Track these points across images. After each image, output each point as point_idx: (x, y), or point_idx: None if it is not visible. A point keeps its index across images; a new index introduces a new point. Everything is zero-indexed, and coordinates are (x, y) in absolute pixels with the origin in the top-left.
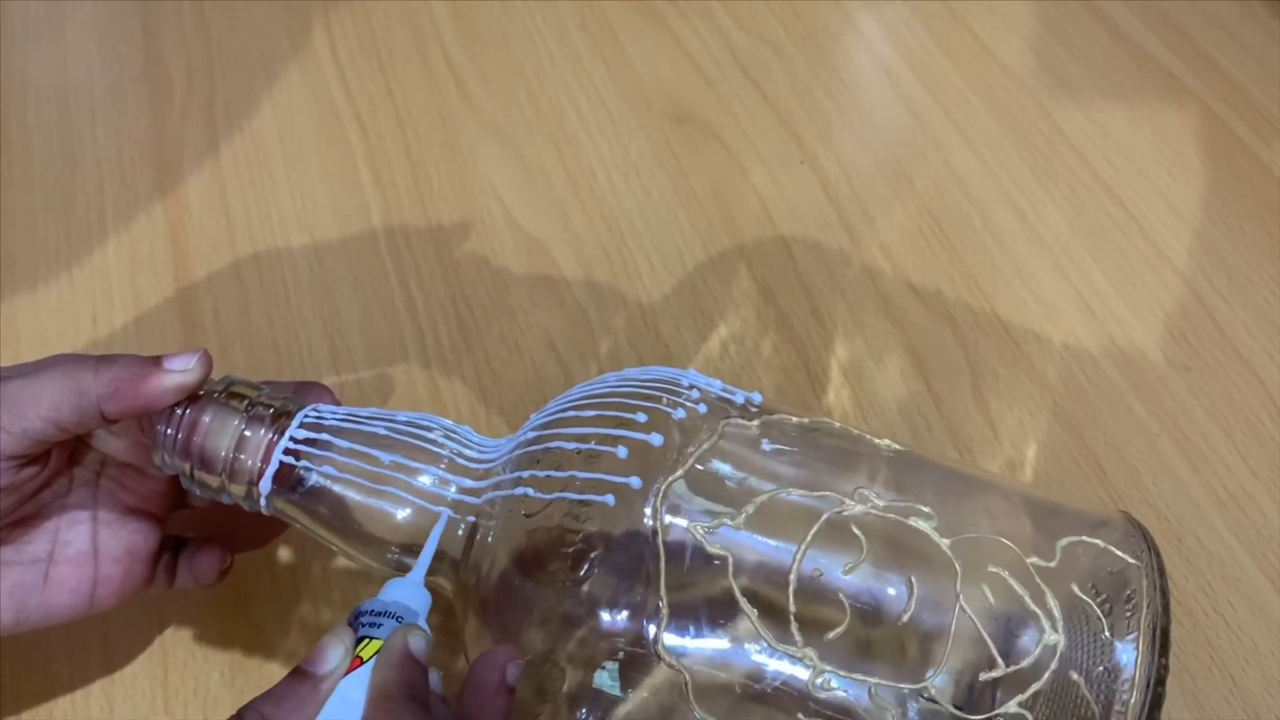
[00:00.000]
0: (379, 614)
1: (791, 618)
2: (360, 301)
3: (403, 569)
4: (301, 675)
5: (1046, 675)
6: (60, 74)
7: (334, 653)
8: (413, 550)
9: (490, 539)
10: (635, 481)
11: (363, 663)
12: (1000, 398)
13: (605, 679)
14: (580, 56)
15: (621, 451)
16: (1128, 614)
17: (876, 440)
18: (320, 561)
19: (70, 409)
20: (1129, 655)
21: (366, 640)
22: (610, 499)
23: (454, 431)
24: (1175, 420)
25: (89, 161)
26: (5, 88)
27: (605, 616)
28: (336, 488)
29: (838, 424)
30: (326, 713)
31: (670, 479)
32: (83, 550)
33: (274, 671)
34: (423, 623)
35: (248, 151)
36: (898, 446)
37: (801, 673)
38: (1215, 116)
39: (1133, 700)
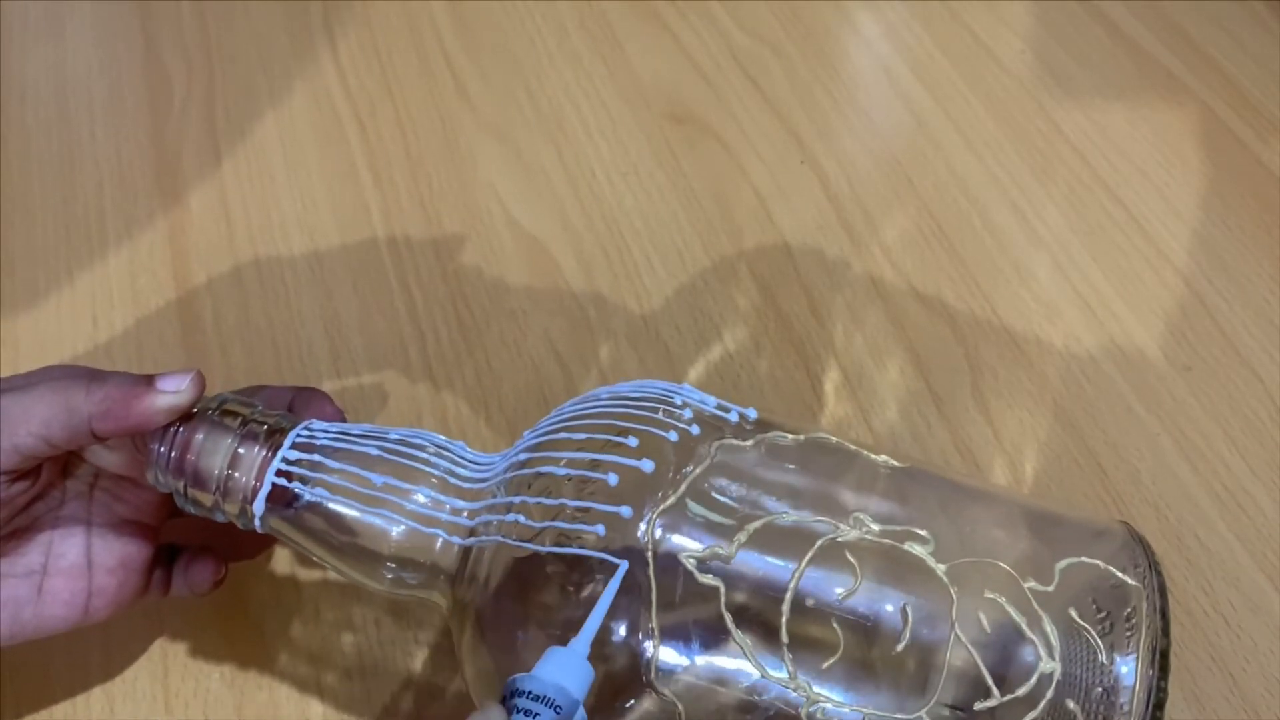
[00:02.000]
0: (536, 698)
1: (784, 649)
2: (360, 302)
3: (399, 585)
4: None
5: (1042, 704)
6: (59, 74)
7: None
8: (408, 566)
9: (485, 558)
10: (626, 511)
11: None
12: (1000, 397)
13: None
14: (579, 56)
15: (612, 479)
16: (1128, 633)
17: (874, 456)
18: (320, 564)
19: (61, 426)
20: (1127, 679)
21: None
22: (601, 529)
23: (446, 449)
24: (1175, 420)
25: (88, 162)
26: (4, 88)
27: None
28: (329, 507)
29: (834, 439)
30: None
31: (661, 508)
32: (76, 562)
33: (274, 676)
34: (583, 713)
35: (247, 152)
36: (895, 463)
37: (795, 702)
38: (1215, 116)
39: None
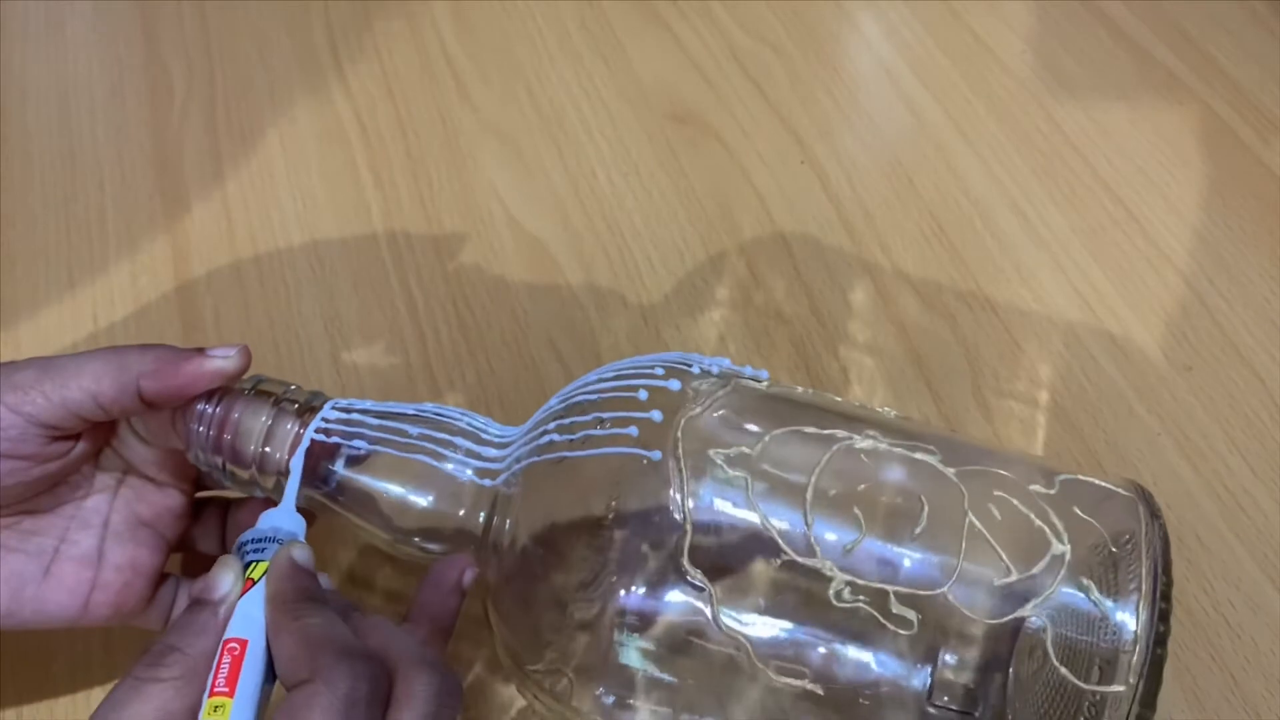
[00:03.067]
0: (260, 540)
1: (810, 531)
2: (360, 302)
3: (428, 554)
4: (199, 604)
5: (1056, 581)
6: (60, 74)
7: (225, 578)
8: (436, 535)
9: (509, 519)
10: (657, 415)
11: (254, 583)
12: (1000, 397)
13: (629, 653)
14: (580, 56)
15: (642, 394)
16: (1129, 548)
17: (879, 408)
18: (318, 567)
19: (110, 382)
20: (1134, 591)
21: (254, 564)
22: (634, 430)
23: (477, 417)
24: (1176, 419)
25: (89, 161)
26: (5, 88)
27: (629, 549)
28: (364, 477)
29: (840, 399)
30: (231, 631)
31: (690, 414)
32: (88, 553)
33: None
34: (302, 539)
35: (248, 151)
36: (899, 414)
37: (821, 584)
38: (1215, 116)
39: (1142, 596)
